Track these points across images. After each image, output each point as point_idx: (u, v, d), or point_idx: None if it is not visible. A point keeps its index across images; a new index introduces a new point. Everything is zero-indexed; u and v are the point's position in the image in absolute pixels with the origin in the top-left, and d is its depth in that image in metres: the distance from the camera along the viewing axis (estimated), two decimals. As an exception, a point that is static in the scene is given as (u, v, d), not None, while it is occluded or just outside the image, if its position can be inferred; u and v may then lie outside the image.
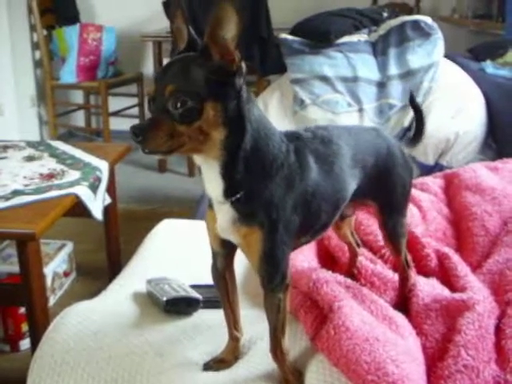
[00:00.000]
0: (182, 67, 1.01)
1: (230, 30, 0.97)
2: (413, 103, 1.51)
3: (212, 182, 1.08)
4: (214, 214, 1.12)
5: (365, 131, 1.35)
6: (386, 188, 1.34)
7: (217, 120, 1.00)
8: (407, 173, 1.37)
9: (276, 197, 1.07)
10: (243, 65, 1.01)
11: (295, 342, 1.25)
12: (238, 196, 1.06)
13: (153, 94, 1.02)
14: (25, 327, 2.22)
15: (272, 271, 1.11)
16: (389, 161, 1.32)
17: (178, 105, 0.97)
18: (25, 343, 2.25)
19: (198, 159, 1.07)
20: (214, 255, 1.21)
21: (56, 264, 2.58)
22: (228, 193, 1.07)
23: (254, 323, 1.32)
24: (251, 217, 1.07)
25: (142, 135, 0.98)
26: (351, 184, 1.23)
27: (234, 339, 1.26)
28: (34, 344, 1.89)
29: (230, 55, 0.99)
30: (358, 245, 1.54)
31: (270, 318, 1.16)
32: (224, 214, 1.09)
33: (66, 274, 2.68)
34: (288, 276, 1.13)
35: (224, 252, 1.19)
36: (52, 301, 2.51)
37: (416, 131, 1.50)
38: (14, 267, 2.09)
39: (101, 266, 2.69)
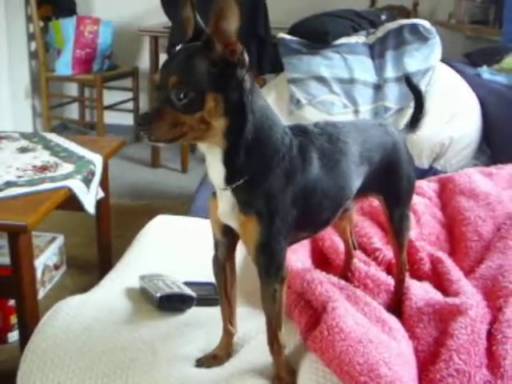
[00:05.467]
0: (186, 58, 1.03)
1: (232, 21, 0.99)
2: (410, 84, 1.50)
3: (214, 168, 1.10)
4: (216, 201, 1.14)
5: (372, 127, 1.36)
6: (392, 182, 1.37)
7: (218, 110, 1.02)
8: (412, 167, 1.41)
9: (275, 188, 1.09)
10: (245, 56, 1.04)
11: (289, 341, 1.25)
12: (239, 183, 1.08)
13: (158, 84, 1.05)
14: (13, 319, 2.20)
15: (268, 261, 1.12)
16: (394, 156, 1.34)
17: (181, 96, 1.00)
18: (13, 335, 2.23)
19: (201, 146, 1.10)
20: (216, 245, 1.22)
21: (46, 257, 2.58)
22: (229, 179, 1.09)
23: (248, 320, 1.33)
24: (250, 205, 1.09)
25: (147, 125, 1.02)
26: (356, 181, 1.25)
27: (227, 334, 1.26)
28: (23, 336, 1.88)
29: (232, 46, 1.02)
30: (355, 247, 1.54)
31: (265, 308, 1.16)
32: (225, 200, 1.11)
33: (56, 267, 2.67)
34: (284, 268, 1.14)
35: (226, 241, 1.20)
36: (42, 293, 2.50)
37: (415, 112, 1.50)
38: (5, 259, 2.08)
39: (91, 260, 2.69)
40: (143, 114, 1.03)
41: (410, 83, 1.51)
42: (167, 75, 1.02)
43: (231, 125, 1.05)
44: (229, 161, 1.08)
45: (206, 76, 1.01)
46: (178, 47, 1.10)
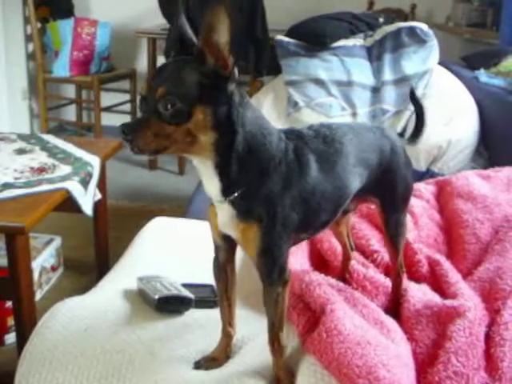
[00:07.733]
0: (176, 70, 1.03)
1: (223, 34, 0.99)
2: (413, 98, 1.51)
3: (209, 181, 1.10)
4: (215, 208, 1.13)
5: (369, 130, 1.35)
6: (389, 186, 1.36)
7: (206, 124, 1.02)
8: (409, 171, 1.40)
9: (274, 194, 1.09)
10: (236, 70, 1.03)
11: (287, 343, 1.24)
12: (236, 195, 1.08)
13: (144, 94, 1.04)
14: (11, 321, 2.20)
15: (270, 266, 1.12)
16: (392, 160, 1.34)
17: (168, 106, 0.99)
18: (10, 337, 2.23)
19: (194, 159, 1.09)
20: (216, 249, 1.22)
21: (44, 258, 2.57)
22: (225, 192, 1.08)
23: (247, 323, 1.32)
24: (250, 213, 1.09)
25: (131, 134, 1.00)
26: (354, 182, 1.24)
27: (226, 336, 1.26)
28: (20, 338, 1.88)
29: (223, 60, 1.01)
30: (352, 248, 1.54)
31: (268, 311, 1.16)
32: (223, 211, 1.11)
33: (53, 269, 2.67)
34: (287, 271, 1.14)
35: (226, 246, 1.20)
36: (39, 295, 2.49)
37: (416, 126, 1.50)
38: (2, 260, 2.07)
39: (88, 262, 2.68)
40: (127, 123, 1.01)
41: (413, 97, 1.51)
42: (155, 86, 1.01)
43: (220, 139, 1.04)
44: (222, 173, 1.07)
45: (196, 88, 1.00)
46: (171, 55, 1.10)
